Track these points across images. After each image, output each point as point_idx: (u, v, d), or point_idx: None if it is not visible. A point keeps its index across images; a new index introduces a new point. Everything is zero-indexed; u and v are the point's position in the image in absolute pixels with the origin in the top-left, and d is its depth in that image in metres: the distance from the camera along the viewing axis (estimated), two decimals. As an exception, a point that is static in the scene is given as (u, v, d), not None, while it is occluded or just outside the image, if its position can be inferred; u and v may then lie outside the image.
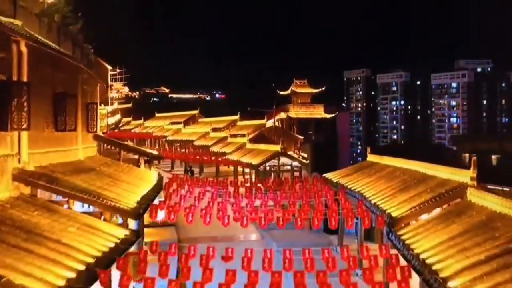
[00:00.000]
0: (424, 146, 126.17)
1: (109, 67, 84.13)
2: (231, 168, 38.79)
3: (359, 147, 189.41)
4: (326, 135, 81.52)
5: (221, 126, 54.52)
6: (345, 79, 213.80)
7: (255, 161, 33.20)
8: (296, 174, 36.15)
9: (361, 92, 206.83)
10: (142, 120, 75.69)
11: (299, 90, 78.03)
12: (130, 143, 54.53)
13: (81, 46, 24.81)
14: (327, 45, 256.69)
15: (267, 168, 34.68)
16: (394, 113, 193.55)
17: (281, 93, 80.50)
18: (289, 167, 36.21)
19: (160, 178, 22.13)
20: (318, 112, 77.70)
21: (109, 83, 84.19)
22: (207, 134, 47.46)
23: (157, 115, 77.89)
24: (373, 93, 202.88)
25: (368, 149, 24.54)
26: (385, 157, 21.83)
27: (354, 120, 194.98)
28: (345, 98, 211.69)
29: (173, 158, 41.38)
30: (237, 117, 55.17)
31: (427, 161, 17.43)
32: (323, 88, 79.07)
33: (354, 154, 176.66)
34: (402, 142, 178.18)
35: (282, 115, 78.74)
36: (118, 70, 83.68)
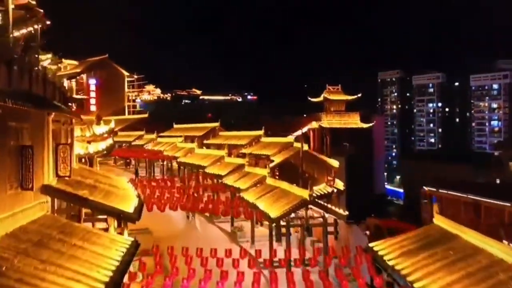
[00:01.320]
0: (465, 153, 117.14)
1: (126, 73, 78.64)
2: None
3: (394, 150, 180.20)
4: (361, 146, 73.25)
5: (243, 143, 46.85)
6: (379, 80, 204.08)
7: (274, 211, 24.22)
8: (330, 227, 27.16)
9: (396, 94, 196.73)
10: (155, 134, 62.29)
11: (332, 97, 70.04)
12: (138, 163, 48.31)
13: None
14: (360, 46, 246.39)
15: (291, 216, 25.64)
16: (430, 115, 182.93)
17: (312, 99, 72.61)
18: (320, 219, 27.53)
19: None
20: (354, 121, 69.59)
21: (126, 90, 78.73)
22: (222, 159, 39.29)
23: (175, 126, 66.69)
24: (408, 94, 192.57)
25: (435, 208, 16.45)
26: (465, 229, 13.94)
27: (389, 123, 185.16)
28: (379, 100, 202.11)
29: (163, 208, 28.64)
30: (261, 132, 47.39)
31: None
32: (359, 95, 70.85)
33: (389, 158, 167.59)
34: (440, 146, 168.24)
35: (314, 124, 70.94)
36: (135, 76, 77.63)
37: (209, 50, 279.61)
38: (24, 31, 26.44)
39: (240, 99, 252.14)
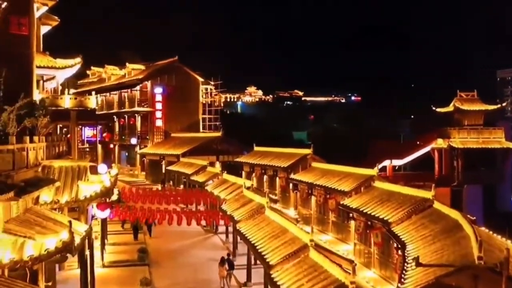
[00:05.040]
0: None
1: (201, 79, 63.44)
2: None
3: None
4: (500, 170, 52.54)
5: (347, 188, 28.61)
6: (498, 79, 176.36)
7: None
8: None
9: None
10: (218, 166, 39.92)
11: (466, 106, 50.22)
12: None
13: None
14: (476, 42, 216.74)
15: None
16: None
17: (438, 110, 53.16)
18: None
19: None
20: (497, 138, 49.46)
21: (201, 100, 63.44)
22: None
23: (255, 149, 44.80)
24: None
25: None
26: None
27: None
28: (497, 100, 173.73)
29: None
30: (374, 172, 28.96)
31: None
32: (503, 104, 50.58)
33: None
34: None
35: (440, 143, 51.62)
36: (212, 83, 61.89)
37: (312, 50, 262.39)
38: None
39: (343, 100, 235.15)
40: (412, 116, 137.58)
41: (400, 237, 20.33)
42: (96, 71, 71.52)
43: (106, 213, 21.43)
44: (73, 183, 18.71)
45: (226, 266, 23.50)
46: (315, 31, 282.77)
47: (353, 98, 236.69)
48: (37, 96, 31.68)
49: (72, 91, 56.56)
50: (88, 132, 61.52)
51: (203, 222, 28.23)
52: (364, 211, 24.70)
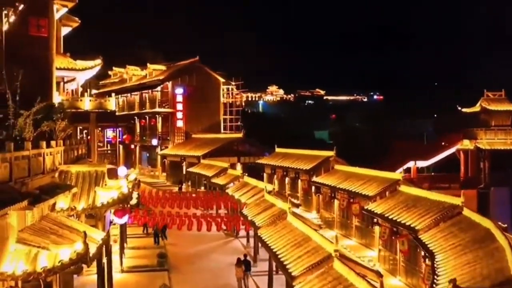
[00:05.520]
0: None
1: (222, 80, 62.73)
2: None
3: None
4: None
5: (371, 192, 27.46)
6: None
7: None
8: None
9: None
10: (239, 167, 42.47)
11: (493, 107, 48.77)
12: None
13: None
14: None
15: None
16: None
17: (464, 110, 51.74)
18: None
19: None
20: (526, 140, 48.00)
21: (222, 100, 62.75)
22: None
23: (277, 150, 43.49)
24: None
25: None
26: None
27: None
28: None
29: None
30: (399, 175, 27.90)
31: None
32: (533, 105, 48.98)
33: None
34: None
35: (466, 144, 50.24)
36: (233, 83, 61.17)
37: (334, 48, 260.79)
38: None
39: (365, 99, 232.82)
40: (435, 115, 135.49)
41: (428, 246, 19.39)
42: (117, 71, 71.39)
43: (124, 219, 20.93)
44: (90, 189, 18.22)
45: (243, 267, 22.93)
46: (335, 29, 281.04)
47: (375, 97, 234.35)
48: (56, 98, 31.45)
49: (93, 91, 56.55)
50: (109, 133, 61.51)
51: (223, 226, 27.47)
52: (390, 217, 23.75)
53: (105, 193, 17.70)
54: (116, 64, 72.39)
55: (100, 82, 73.48)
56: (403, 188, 26.56)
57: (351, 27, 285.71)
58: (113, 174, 34.25)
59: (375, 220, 26.30)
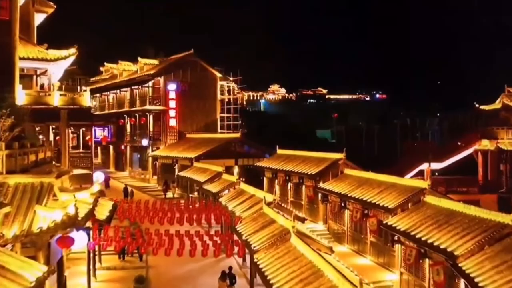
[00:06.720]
0: None
1: (219, 75, 58.01)
2: None
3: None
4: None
5: (391, 203, 22.79)
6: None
7: None
8: None
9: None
10: (236, 171, 38.65)
11: (516, 103, 44.40)
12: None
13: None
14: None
15: None
16: None
17: (482, 107, 47.28)
18: None
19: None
20: (552, 140, 43.50)
21: (219, 97, 58.09)
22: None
23: (278, 152, 38.47)
24: None
25: None
26: None
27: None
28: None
29: None
30: (425, 183, 23.11)
31: None
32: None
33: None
34: None
35: (485, 144, 45.76)
36: (231, 78, 56.57)
37: (337, 46, 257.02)
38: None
39: (368, 98, 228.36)
40: (438, 114, 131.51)
41: (475, 280, 14.87)
42: (109, 67, 66.98)
43: (71, 248, 15.99)
44: (29, 207, 13.56)
45: (227, 281, 19.94)
46: (335, 28, 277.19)
47: (377, 96, 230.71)
48: (20, 92, 27.01)
49: (83, 88, 52.01)
50: (98, 133, 57.23)
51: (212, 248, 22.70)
52: (417, 236, 19.20)
53: (47, 214, 13.09)
54: (109, 60, 68.23)
55: (91, 79, 69.24)
56: (430, 199, 21.93)
57: (351, 26, 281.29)
58: (87, 180, 29.86)
59: (395, 237, 21.79)
